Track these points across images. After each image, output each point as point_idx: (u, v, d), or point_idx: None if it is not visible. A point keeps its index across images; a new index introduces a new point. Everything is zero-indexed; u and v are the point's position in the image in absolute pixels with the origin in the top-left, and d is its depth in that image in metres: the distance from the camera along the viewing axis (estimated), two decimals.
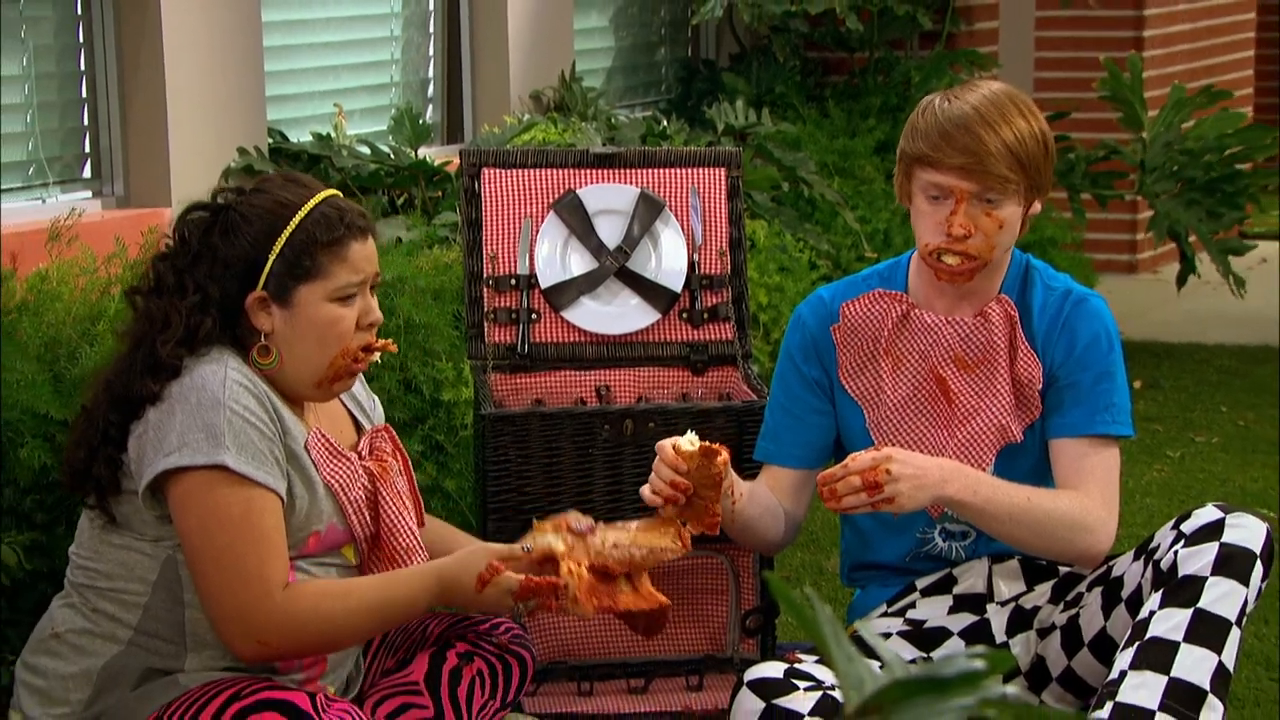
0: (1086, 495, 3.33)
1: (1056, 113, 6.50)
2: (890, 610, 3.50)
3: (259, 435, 2.93)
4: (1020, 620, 3.43)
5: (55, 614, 3.05)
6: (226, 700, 2.89)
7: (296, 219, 3.00)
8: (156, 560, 2.97)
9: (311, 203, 3.02)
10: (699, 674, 3.86)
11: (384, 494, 3.09)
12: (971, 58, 7.31)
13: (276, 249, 3.00)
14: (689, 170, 4.04)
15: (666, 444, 3.22)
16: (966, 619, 3.45)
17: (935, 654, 3.44)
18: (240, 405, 2.92)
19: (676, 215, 4.02)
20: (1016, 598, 3.44)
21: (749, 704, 3.22)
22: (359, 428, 3.21)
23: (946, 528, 3.46)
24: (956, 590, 3.47)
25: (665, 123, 6.34)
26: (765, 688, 3.23)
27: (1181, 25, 8.99)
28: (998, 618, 3.44)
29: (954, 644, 3.43)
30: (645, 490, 3.23)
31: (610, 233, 4.00)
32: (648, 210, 4.00)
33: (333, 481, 3.03)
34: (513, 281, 3.95)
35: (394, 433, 3.23)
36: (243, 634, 2.91)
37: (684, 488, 3.19)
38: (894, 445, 3.39)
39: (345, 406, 3.21)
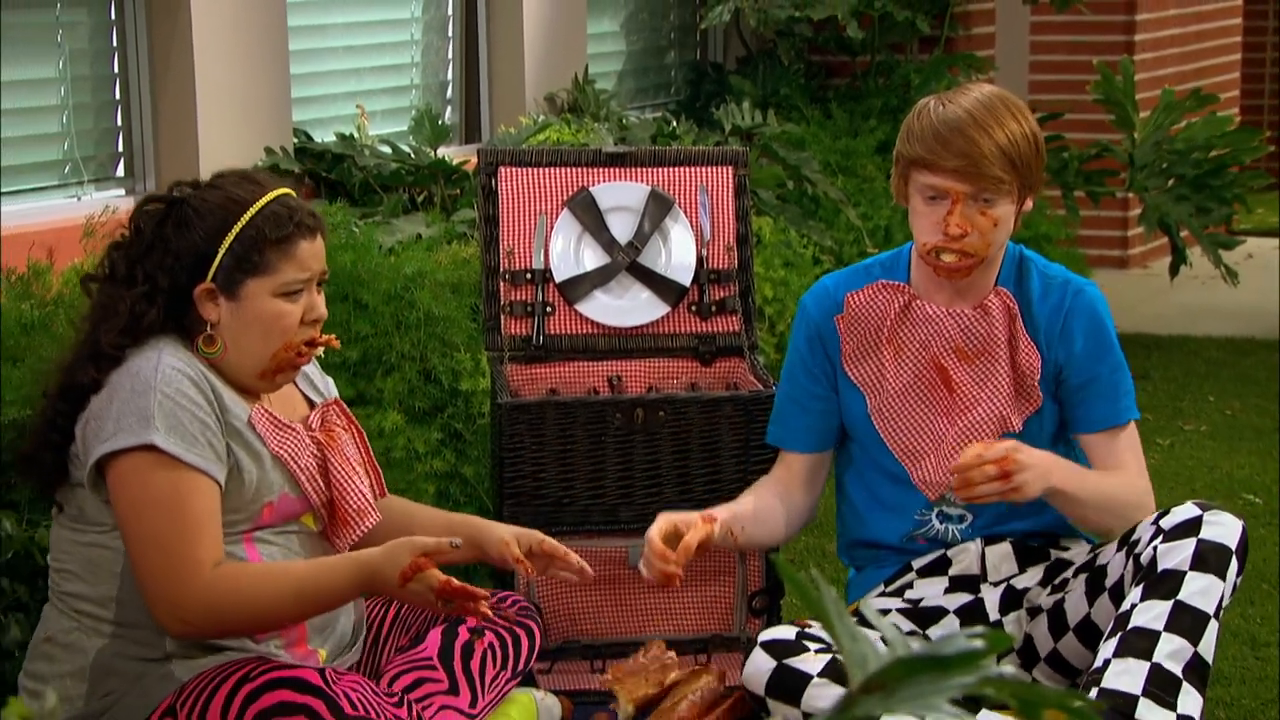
0: (1130, 474, 3.40)
1: (1050, 114, 6.43)
2: (888, 590, 3.53)
3: (191, 418, 2.93)
4: (1012, 600, 3.47)
5: (45, 620, 3.08)
6: (236, 683, 2.90)
7: (248, 215, 3.02)
8: (119, 553, 2.98)
9: (263, 200, 3.04)
10: (706, 653, 3.88)
11: (333, 460, 3.11)
12: (969, 61, 7.22)
13: (226, 243, 3.02)
14: (697, 169, 4.07)
15: (654, 535, 3.29)
16: (962, 598, 3.48)
17: (932, 632, 3.48)
18: (172, 389, 2.93)
19: (686, 212, 4.05)
20: (1009, 578, 3.48)
21: (761, 663, 3.28)
22: (313, 406, 3.23)
23: (944, 510, 3.50)
24: (952, 571, 3.50)
25: (674, 123, 6.28)
26: (777, 648, 3.28)
27: (1171, 30, 8.90)
28: (991, 597, 3.47)
29: (950, 622, 3.47)
30: (642, 567, 3.32)
31: (622, 229, 4.04)
32: (658, 207, 4.04)
33: (280, 451, 3.04)
34: (528, 276, 3.98)
35: (345, 407, 3.26)
36: (169, 613, 2.91)
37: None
38: (895, 431, 3.46)
39: (297, 386, 3.24)
